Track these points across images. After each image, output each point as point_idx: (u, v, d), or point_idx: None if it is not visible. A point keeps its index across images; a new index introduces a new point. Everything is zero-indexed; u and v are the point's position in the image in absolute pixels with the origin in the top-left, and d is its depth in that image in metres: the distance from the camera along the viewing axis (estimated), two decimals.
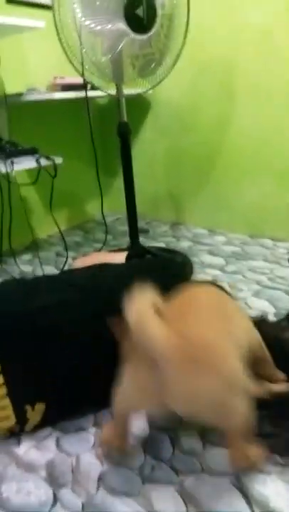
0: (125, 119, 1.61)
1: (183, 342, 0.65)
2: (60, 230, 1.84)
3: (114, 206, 2.45)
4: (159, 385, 0.67)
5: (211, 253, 1.91)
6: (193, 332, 0.70)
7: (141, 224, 2.19)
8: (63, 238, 1.87)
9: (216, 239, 2.08)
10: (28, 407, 0.90)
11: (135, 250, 1.74)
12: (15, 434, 0.93)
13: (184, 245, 2.02)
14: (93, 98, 2.17)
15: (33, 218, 2.24)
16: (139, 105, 2.21)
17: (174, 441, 0.90)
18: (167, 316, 0.70)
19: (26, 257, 2.02)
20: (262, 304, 1.43)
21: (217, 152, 2.07)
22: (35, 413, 0.91)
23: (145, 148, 2.31)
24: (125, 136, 1.60)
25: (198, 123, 2.08)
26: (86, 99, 1.64)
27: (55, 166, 1.69)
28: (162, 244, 2.05)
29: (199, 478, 0.81)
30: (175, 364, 0.64)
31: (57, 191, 2.11)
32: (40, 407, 0.91)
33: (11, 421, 0.90)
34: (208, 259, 1.85)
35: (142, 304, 0.64)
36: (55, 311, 0.94)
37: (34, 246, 2.16)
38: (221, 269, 1.74)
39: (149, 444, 0.90)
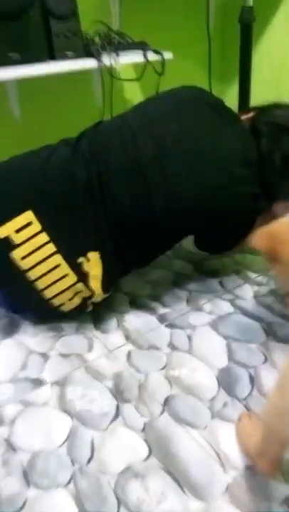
0: (251, 3, 1.34)
1: None
2: None
3: None
4: None
5: None
6: None
7: None
8: None
9: None
10: (82, 259, 0.86)
11: None
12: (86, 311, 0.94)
13: None
14: None
15: None
16: None
17: (253, 380, 0.80)
18: None
19: None
20: None
21: None
22: (92, 264, 0.87)
23: (272, 51, 1.96)
24: (248, 25, 1.34)
25: None
26: None
27: (163, 62, 1.50)
28: None
29: None
30: None
31: None
32: (94, 255, 0.87)
33: (72, 278, 0.87)
34: None
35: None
36: None
37: None
38: None
39: (225, 378, 0.81)
